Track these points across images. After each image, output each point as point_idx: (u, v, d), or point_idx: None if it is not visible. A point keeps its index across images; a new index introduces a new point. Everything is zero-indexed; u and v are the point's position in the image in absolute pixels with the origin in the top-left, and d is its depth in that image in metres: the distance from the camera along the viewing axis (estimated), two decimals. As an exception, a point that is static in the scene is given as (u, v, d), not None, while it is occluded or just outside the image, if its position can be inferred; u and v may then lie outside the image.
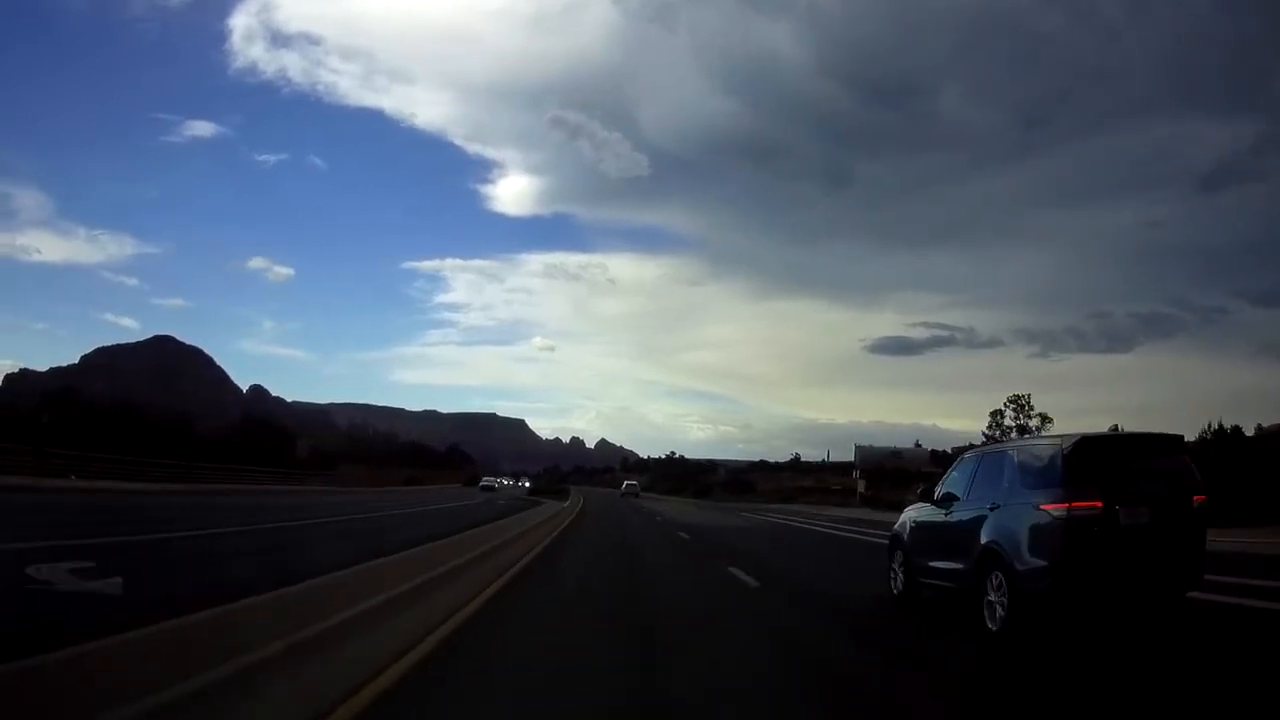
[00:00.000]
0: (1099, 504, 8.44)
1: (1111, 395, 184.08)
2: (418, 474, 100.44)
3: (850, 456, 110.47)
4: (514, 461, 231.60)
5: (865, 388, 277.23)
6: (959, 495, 10.43)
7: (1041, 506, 8.61)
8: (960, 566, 9.74)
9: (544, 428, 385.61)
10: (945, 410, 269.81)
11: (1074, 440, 8.90)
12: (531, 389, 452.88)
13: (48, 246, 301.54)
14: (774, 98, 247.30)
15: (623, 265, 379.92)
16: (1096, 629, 9.04)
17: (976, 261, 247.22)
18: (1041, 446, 9.44)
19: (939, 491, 11.02)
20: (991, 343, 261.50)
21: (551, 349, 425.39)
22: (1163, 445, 9.53)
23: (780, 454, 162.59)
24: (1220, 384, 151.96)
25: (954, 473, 10.97)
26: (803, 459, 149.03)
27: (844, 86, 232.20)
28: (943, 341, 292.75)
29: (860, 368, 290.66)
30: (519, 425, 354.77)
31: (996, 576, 8.88)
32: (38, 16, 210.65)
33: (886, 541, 12.75)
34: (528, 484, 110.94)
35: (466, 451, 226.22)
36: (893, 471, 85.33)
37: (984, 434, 59.05)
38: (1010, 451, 9.75)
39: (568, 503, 44.79)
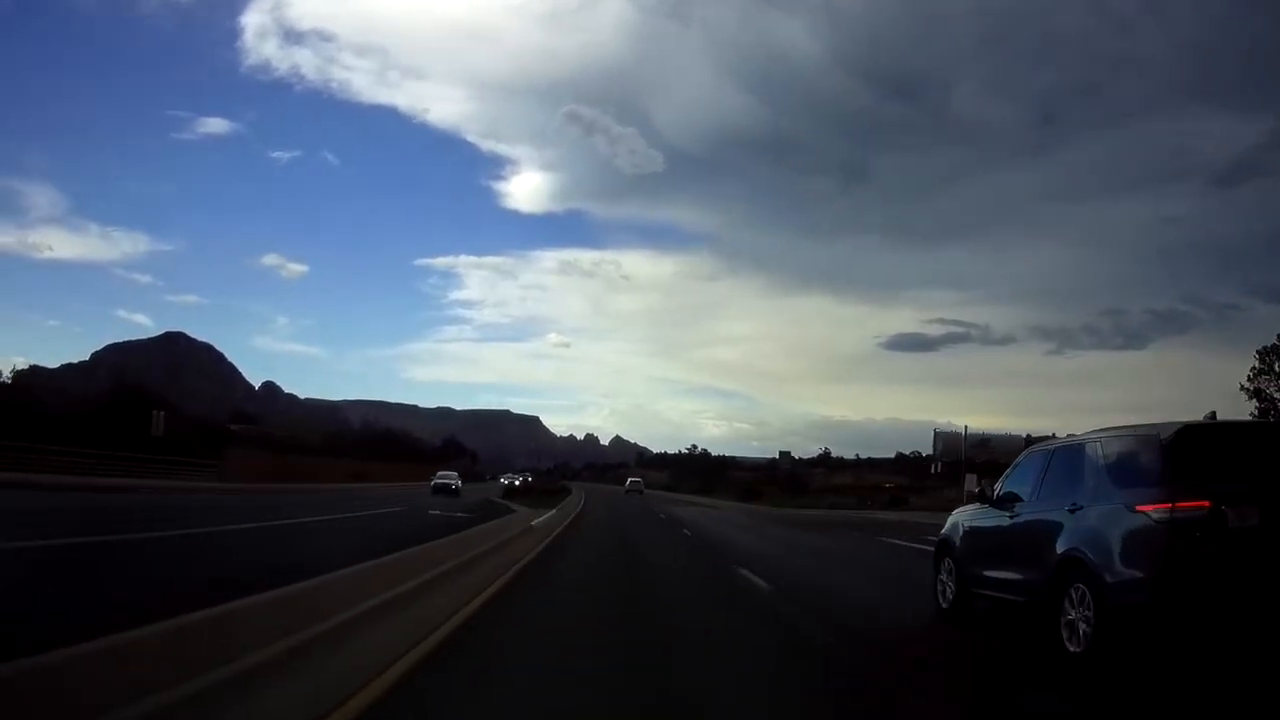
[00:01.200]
0: (1206, 504, 7.10)
1: (1126, 392, 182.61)
2: (371, 467, 78.49)
3: (878, 453, 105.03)
4: (529, 458, 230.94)
5: (880, 384, 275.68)
6: (1024, 495, 9.14)
7: (1137, 508, 7.27)
8: (1029, 577, 8.43)
9: (558, 425, 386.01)
10: (961, 407, 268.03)
11: (1175, 429, 7.56)
12: (546, 386, 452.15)
13: (61, 243, 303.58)
14: (789, 93, 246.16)
15: (637, 262, 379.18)
16: (1200, 650, 7.69)
17: (992, 258, 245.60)
18: (1132, 438, 8.07)
19: (998, 491, 9.73)
20: (1006, 340, 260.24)
21: (566, 346, 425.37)
22: (1268, 435, 8.21)
23: (797, 450, 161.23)
24: (1234, 381, 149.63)
25: (1017, 470, 9.67)
26: (832, 454, 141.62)
27: (860, 81, 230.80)
28: (958, 338, 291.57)
29: (876, 364, 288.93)
30: (533, 422, 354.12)
31: (1079, 590, 7.56)
32: (51, 14, 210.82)
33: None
34: (517, 481, 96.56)
35: (489, 448, 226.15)
36: (984, 465, 62.68)
37: None
38: (1093, 444, 8.36)
39: (554, 511, 27.72)
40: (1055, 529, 8.08)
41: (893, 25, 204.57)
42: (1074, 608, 7.59)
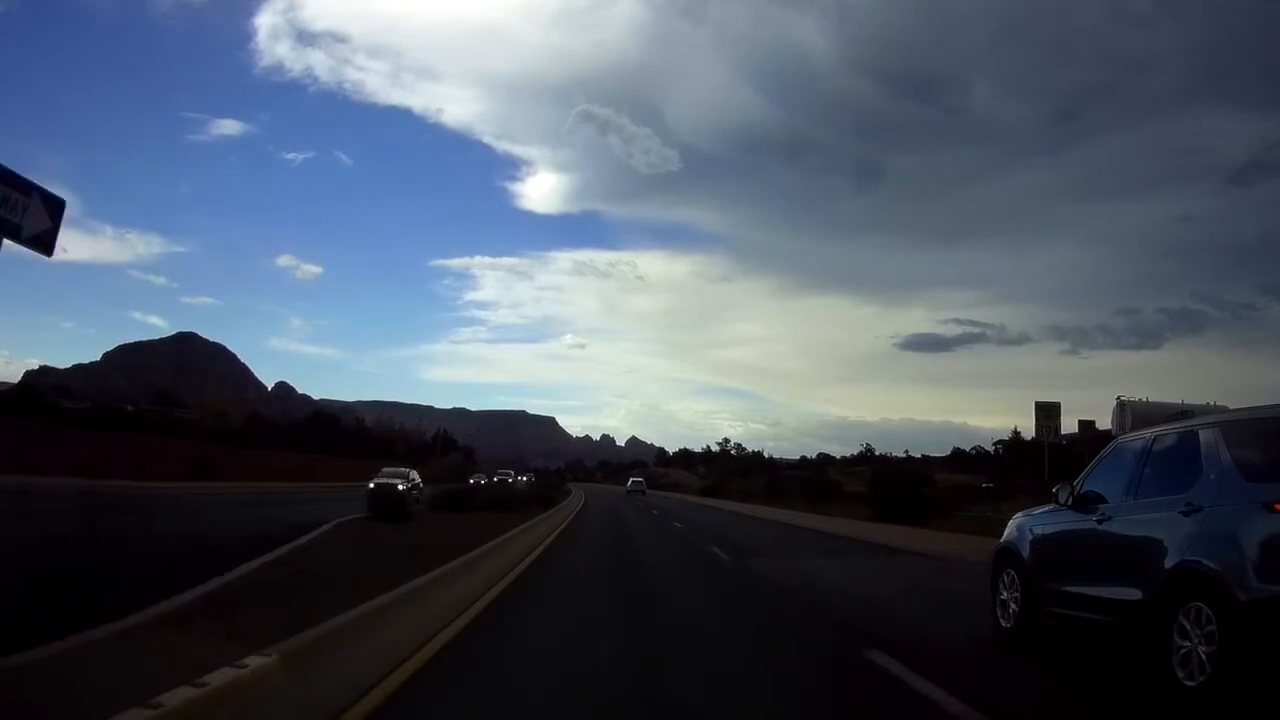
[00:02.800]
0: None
1: (1143, 392, 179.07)
2: (323, 463, 66.01)
3: (908, 450, 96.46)
4: (545, 458, 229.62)
5: (896, 385, 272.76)
6: (1113, 495, 7.71)
7: (1277, 506, 5.84)
8: (1127, 595, 7.00)
9: (574, 425, 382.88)
10: (977, 407, 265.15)
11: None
12: (561, 387, 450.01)
13: (75, 245, 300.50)
14: (803, 92, 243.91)
15: (652, 262, 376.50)
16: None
17: (1007, 257, 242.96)
18: (1268, 419, 6.61)
19: (1076, 489, 8.27)
20: (1021, 339, 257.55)
21: (581, 347, 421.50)
22: None
23: (810, 451, 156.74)
24: (1249, 380, 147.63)
25: (1102, 465, 8.21)
26: (876, 452, 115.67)
27: (874, 81, 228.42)
28: (973, 338, 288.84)
29: (891, 365, 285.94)
30: (549, 423, 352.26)
31: (1198, 610, 6.12)
32: (64, 16, 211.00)
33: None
34: (519, 479, 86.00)
35: (504, 449, 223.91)
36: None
37: None
38: (1209, 430, 6.83)
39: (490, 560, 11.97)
40: (1162, 536, 6.65)
41: (907, 24, 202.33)
42: (1190, 632, 6.15)
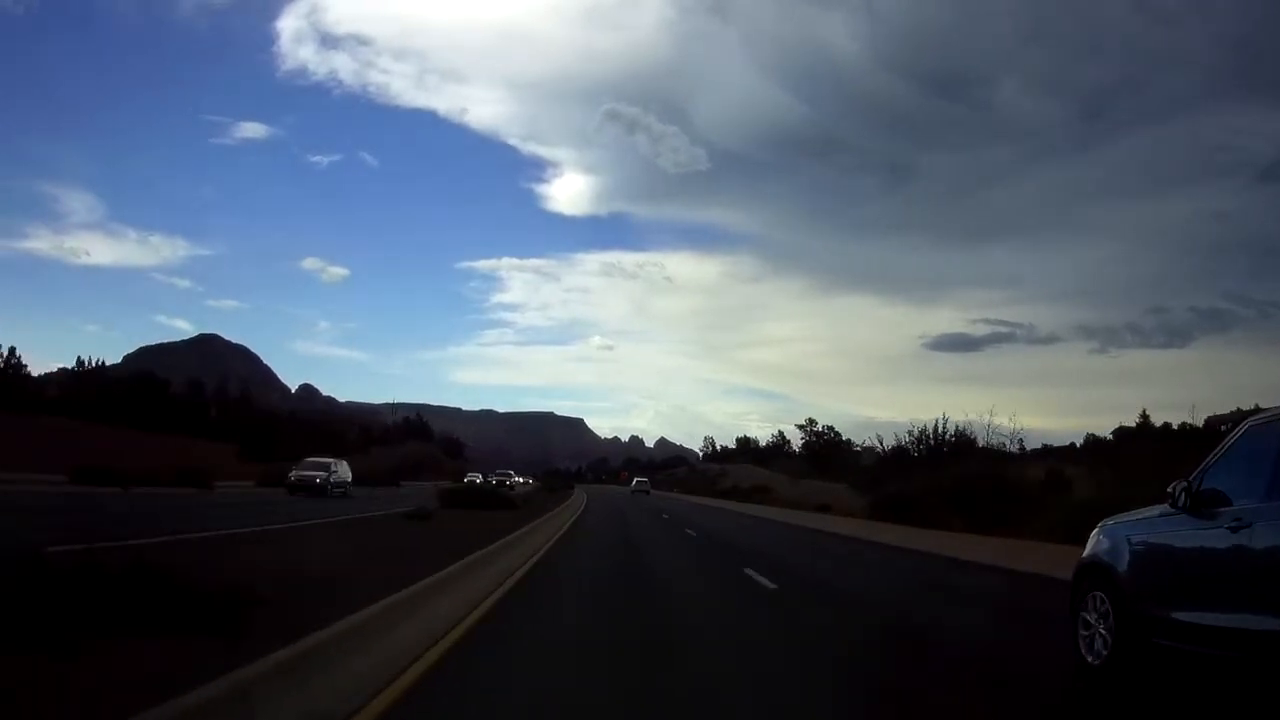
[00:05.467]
0: None
1: (1168, 391, 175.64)
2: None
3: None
4: (573, 459, 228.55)
5: (925, 385, 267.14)
6: (1244, 495, 5.91)
7: None
8: (1267, 625, 5.14)
9: (603, 427, 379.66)
10: (1006, 407, 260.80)
11: None
12: (590, 388, 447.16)
13: (98, 249, 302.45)
14: (831, 90, 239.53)
15: (680, 264, 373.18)
16: None
17: (1035, 256, 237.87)
18: None
19: (1195, 487, 6.37)
20: (1051, 339, 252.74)
21: (610, 348, 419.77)
22: None
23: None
24: (1278, 380, 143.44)
25: (1229, 455, 6.34)
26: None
27: (902, 79, 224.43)
28: (1003, 337, 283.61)
29: (920, 364, 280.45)
30: (577, 424, 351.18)
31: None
32: (86, 20, 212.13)
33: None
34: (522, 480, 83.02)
35: (533, 450, 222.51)
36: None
37: None
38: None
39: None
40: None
41: (936, 20, 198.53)
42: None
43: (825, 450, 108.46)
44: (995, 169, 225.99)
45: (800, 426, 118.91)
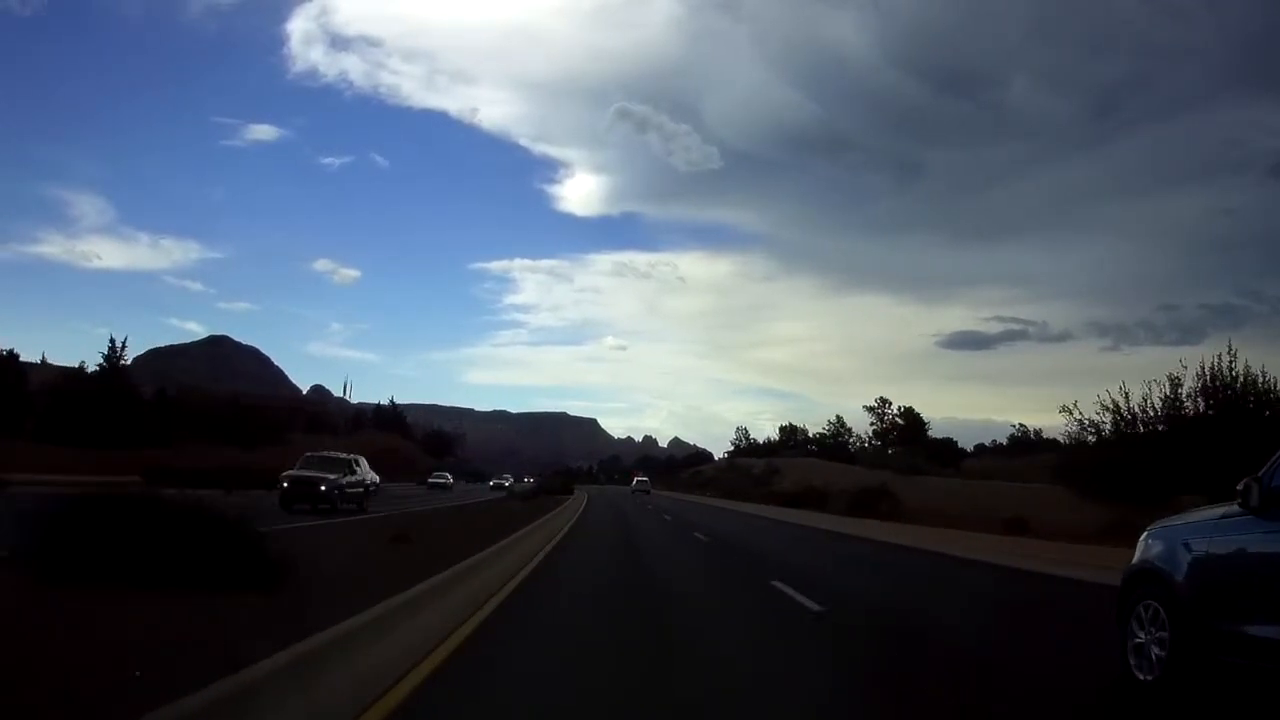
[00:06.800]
0: None
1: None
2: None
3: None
4: (586, 459, 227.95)
5: (937, 383, 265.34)
6: None
7: None
8: None
9: (616, 427, 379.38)
10: (1019, 405, 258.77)
11: None
12: (603, 388, 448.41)
13: (109, 252, 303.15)
14: (841, 88, 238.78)
15: (692, 263, 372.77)
16: None
17: (1047, 253, 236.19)
18: None
19: (1266, 484, 5.21)
20: (1063, 336, 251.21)
21: (622, 348, 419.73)
22: None
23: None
24: None
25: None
26: (957, 444, 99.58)
27: (912, 77, 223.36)
28: (1015, 335, 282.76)
29: (932, 363, 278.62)
30: (590, 424, 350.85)
31: None
32: (96, 23, 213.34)
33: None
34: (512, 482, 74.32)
35: (546, 450, 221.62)
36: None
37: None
38: None
39: None
40: None
41: (944, 19, 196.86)
42: None
43: (904, 435, 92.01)
44: (1005, 167, 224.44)
45: (869, 408, 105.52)
